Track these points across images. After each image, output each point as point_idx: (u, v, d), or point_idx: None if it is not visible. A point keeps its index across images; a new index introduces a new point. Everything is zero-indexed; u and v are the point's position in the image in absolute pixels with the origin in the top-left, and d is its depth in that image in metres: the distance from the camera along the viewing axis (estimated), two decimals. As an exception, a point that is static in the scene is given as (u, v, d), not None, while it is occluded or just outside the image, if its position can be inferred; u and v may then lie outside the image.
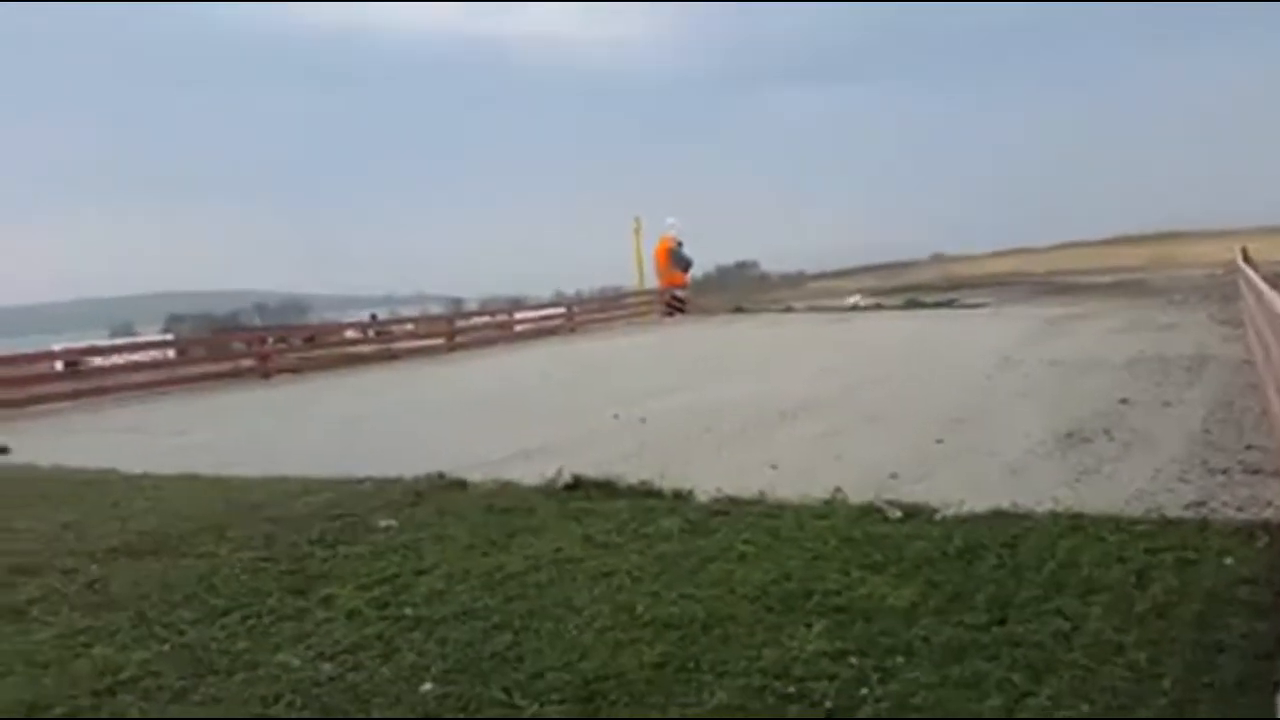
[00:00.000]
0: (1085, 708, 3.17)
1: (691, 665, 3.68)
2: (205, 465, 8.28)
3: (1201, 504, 5.47)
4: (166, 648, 4.18)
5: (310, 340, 22.03)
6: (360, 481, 7.21)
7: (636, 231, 28.26)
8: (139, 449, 9.57)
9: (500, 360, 18.20)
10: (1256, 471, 6.14)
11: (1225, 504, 5.46)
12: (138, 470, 8.32)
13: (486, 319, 23.67)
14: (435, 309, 23.34)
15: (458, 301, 23.38)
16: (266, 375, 18.08)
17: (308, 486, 7.13)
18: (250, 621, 4.46)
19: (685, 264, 26.28)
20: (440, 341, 21.31)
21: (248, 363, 18.84)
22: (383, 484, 7.10)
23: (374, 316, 28.00)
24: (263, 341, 20.59)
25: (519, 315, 24.12)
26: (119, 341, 25.75)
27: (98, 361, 18.34)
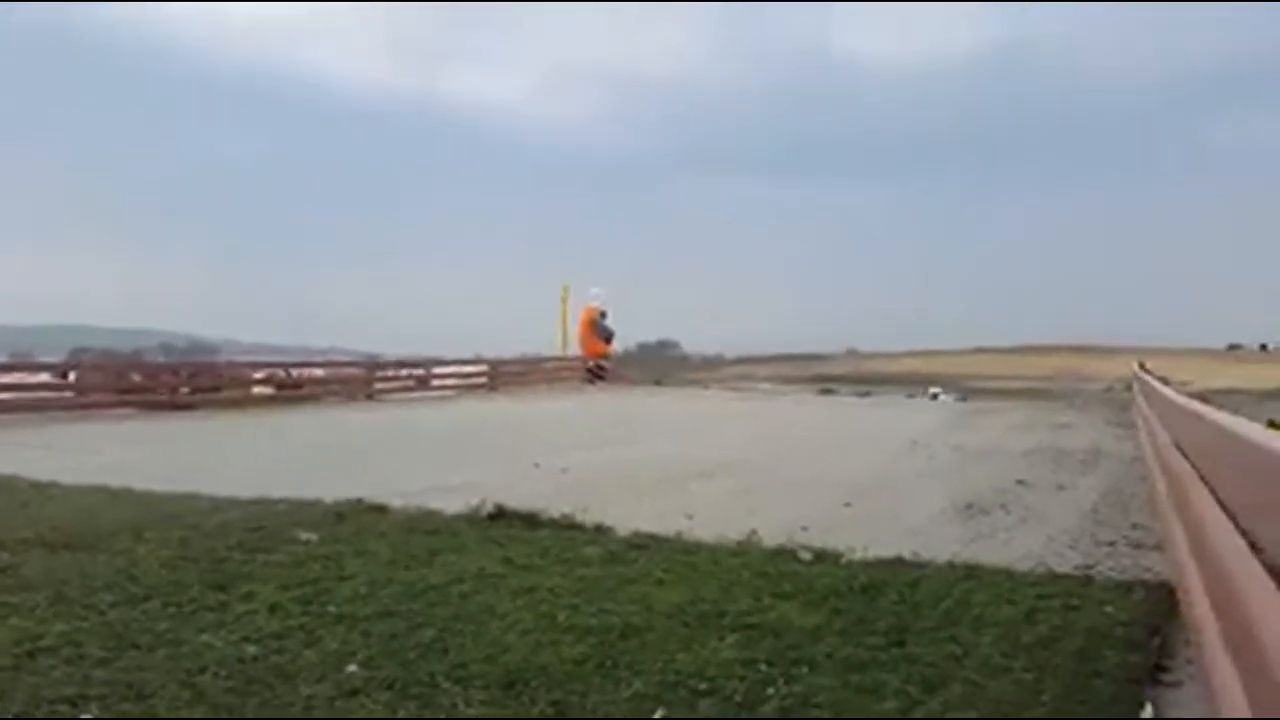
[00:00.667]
0: (974, 714, 3.44)
1: (609, 664, 3.86)
2: (116, 481, 8.14)
3: (1088, 567, 5.87)
4: (86, 624, 4.18)
5: (218, 379, 21.44)
6: (276, 502, 7.21)
7: (564, 299, 28.65)
8: (48, 463, 9.34)
9: (419, 411, 18.16)
10: (1139, 546, 6.60)
11: (1109, 569, 5.87)
12: (45, 480, 8.15)
13: (407, 371, 23.51)
14: (346, 368, 23.02)
15: (374, 358, 23.14)
16: (175, 407, 17.74)
17: (221, 504, 7.09)
18: (171, 609, 4.48)
19: (607, 335, 26.70)
20: (357, 390, 21.18)
21: (156, 395, 18.45)
22: (300, 505, 7.11)
23: (287, 371, 27.19)
24: (174, 373, 20.19)
25: (441, 370, 24.05)
26: (17, 362, 24.82)
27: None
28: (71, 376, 20.20)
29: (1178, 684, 3.89)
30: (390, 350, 23.94)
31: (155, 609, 4.45)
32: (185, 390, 19.31)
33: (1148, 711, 3.51)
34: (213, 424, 15.06)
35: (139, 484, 7.91)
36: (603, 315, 26.56)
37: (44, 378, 18.76)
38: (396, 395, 22.15)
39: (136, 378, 20.54)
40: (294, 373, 22.58)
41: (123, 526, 6.08)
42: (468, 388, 23.64)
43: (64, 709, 3.28)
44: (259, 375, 22.81)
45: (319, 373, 23.30)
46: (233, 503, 7.12)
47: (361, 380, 22.34)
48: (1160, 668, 4.05)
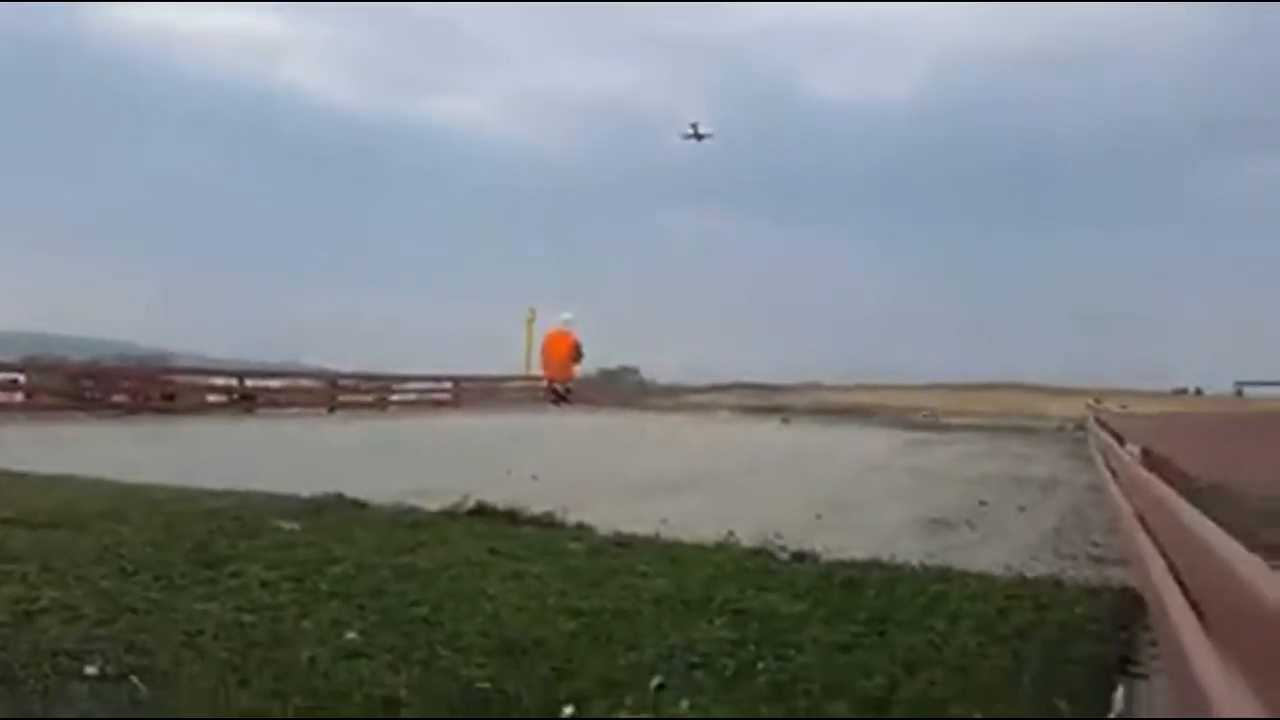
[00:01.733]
0: (957, 691, 3.59)
1: (604, 639, 3.96)
2: (89, 473, 8.06)
3: (1054, 577, 6.07)
4: (79, 591, 4.19)
5: (173, 387, 21.10)
6: (253, 495, 7.19)
7: (530, 321, 28.76)
8: (13, 454, 9.22)
9: (385, 424, 18.11)
10: (1101, 560, 6.82)
11: (1073, 578, 6.06)
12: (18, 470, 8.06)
13: (372, 384, 23.38)
14: (306, 381, 22.83)
15: (335, 373, 22.99)
16: (130, 413, 17.56)
17: (198, 495, 7.07)
18: (162, 581, 4.50)
19: (579, 357, 26.83)
20: (319, 403, 21.07)
21: (110, 401, 18.29)
22: (277, 498, 7.10)
23: (242, 381, 26.66)
24: (130, 379, 19.94)
25: (404, 386, 23.95)
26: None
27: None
28: (22, 380, 19.87)
29: (1145, 676, 4.07)
30: (352, 367, 23.74)
31: (146, 580, 4.47)
32: (141, 397, 19.09)
33: (1119, 695, 3.69)
34: (173, 429, 14.92)
35: (118, 476, 7.86)
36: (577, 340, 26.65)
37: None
38: (359, 410, 22.04)
39: (90, 383, 20.23)
40: (252, 383, 22.37)
41: (104, 511, 6.06)
42: (431, 403, 23.58)
43: (66, 662, 3.31)
44: (216, 382, 22.57)
45: (278, 384, 23.13)
46: (209, 494, 7.10)
47: (323, 393, 22.18)
48: (1128, 660, 4.23)
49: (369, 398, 23.09)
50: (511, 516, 6.68)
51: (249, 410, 20.11)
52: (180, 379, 21.96)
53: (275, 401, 21.35)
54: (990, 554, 6.83)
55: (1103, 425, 13.68)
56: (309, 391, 22.35)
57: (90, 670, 3.24)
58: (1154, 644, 4.40)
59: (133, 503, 6.44)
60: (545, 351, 27.33)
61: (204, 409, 20.40)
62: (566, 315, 26.92)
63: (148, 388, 19.78)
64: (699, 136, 44.50)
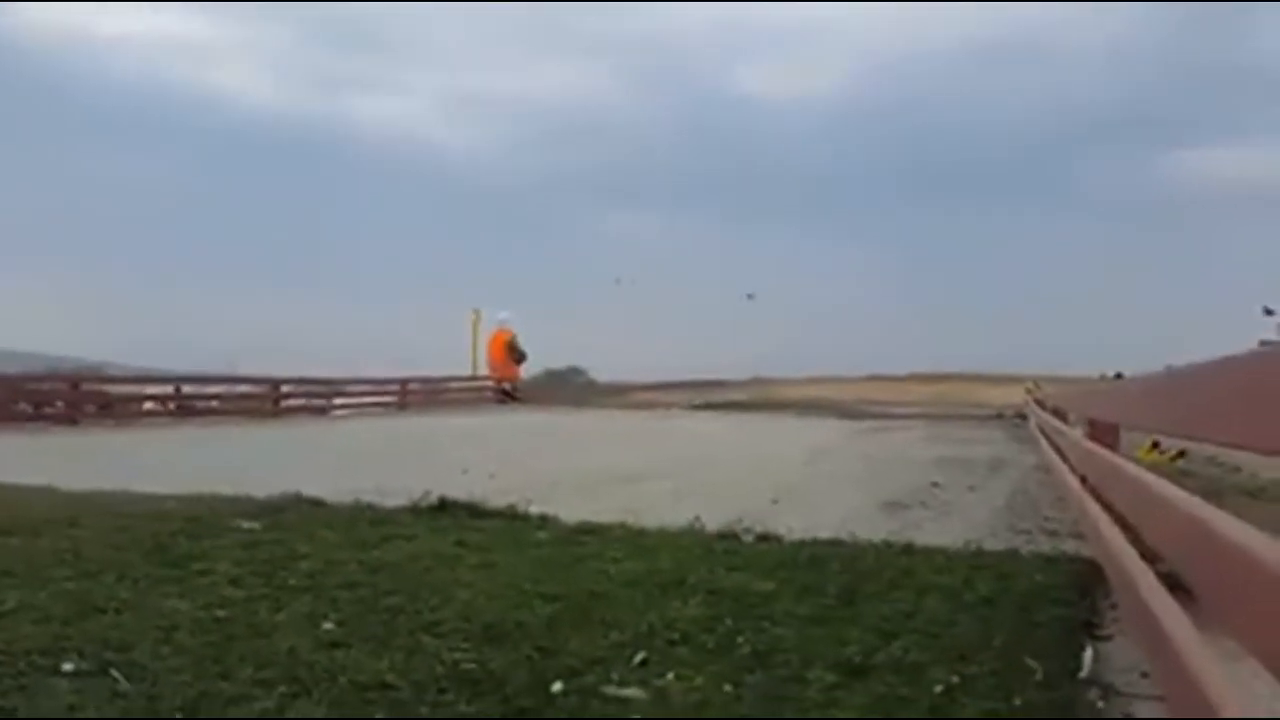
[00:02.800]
0: (931, 655, 3.68)
1: (582, 620, 3.98)
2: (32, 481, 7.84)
3: (1012, 550, 6.23)
4: (44, 593, 4.10)
5: (108, 397, 20.51)
6: (206, 498, 7.06)
7: (474, 323, 28.62)
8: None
9: (331, 427, 17.87)
10: (1055, 534, 7.00)
11: (1031, 551, 6.23)
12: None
13: (315, 389, 22.98)
14: (245, 387, 22.32)
15: (275, 378, 22.55)
16: (64, 423, 17.14)
17: (150, 499, 6.93)
18: (127, 581, 4.41)
19: (520, 357, 26.74)
20: (261, 409, 20.70)
21: (42, 411, 17.82)
22: (232, 500, 6.98)
23: (178, 389, 25.89)
24: (62, 388, 19.40)
25: (348, 389, 23.62)
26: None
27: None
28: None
29: (1109, 638, 4.22)
30: (293, 372, 23.33)
31: (110, 581, 4.38)
32: (73, 408, 18.60)
33: (1088, 654, 3.81)
34: (112, 438, 14.54)
35: (63, 484, 7.65)
36: (514, 337, 26.59)
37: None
38: (303, 415, 21.71)
39: (20, 393, 19.61)
40: (190, 389, 21.87)
41: (55, 516, 5.91)
42: (377, 405, 23.33)
43: (41, 660, 3.24)
44: (152, 391, 21.99)
45: (217, 390, 22.65)
46: (161, 498, 6.96)
47: (264, 398, 21.77)
48: (1091, 624, 4.37)
49: (312, 402, 22.72)
50: (474, 510, 6.66)
51: (187, 418, 19.69)
52: (114, 389, 21.39)
53: (215, 410, 20.95)
54: (947, 531, 6.98)
55: (1041, 405, 14.02)
56: (250, 398, 21.91)
57: (67, 667, 3.17)
58: (1114, 607, 4.56)
59: (83, 509, 6.28)
60: (488, 352, 27.28)
61: (140, 418, 19.93)
62: (503, 314, 26.93)
63: (80, 399, 19.24)
64: None
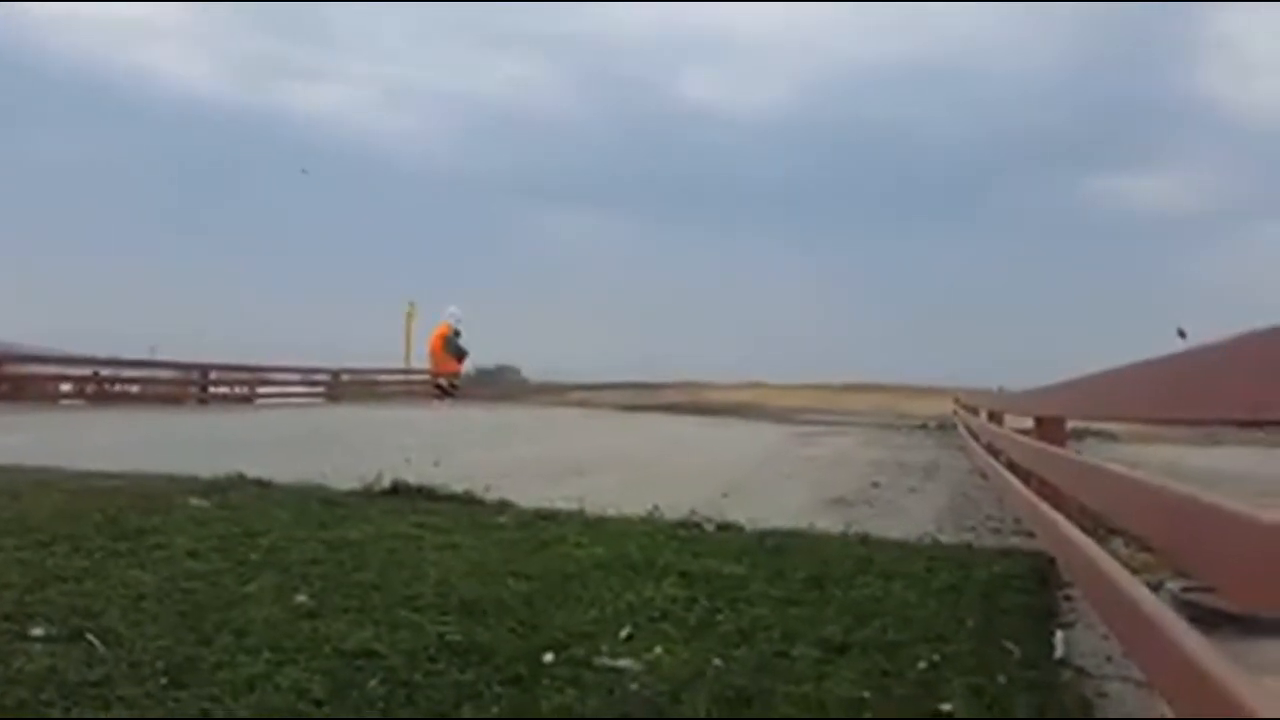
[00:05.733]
0: (909, 635, 3.74)
1: (560, 598, 3.96)
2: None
3: (965, 544, 6.36)
4: (-2, 561, 3.92)
5: (20, 381, 19.62)
6: (150, 476, 6.85)
7: (410, 315, 28.23)
8: None
9: (260, 416, 17.44)
10: (999, 531, 7.17)
11: (982, 546, 6.37)
12: None
13: (243, 375, 22.40)
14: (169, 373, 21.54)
15: (199, 364, 21.86)
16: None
17: (92, 475, 6.69)
18: (81, 552, 4.25)
19: (460, 353, 26.39)
20: (183, 395, 20.11)
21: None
22: (176, 478, 6.78)
23: (96, 373, 25.05)
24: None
25: (277, 377, 23.08)
26: None
27: None
28: None
29: (1071, 624, 4.33)
30: (218, 358, 22.68)
31: (65, 551, 4.22)
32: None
33: (1060, 637, 3.91)
34: (29, 418, 13.97)
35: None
36: (456, 334, 26.22)
37: None
38: (229, 402, 21.16)
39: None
40: (108, 373, 21.09)
41: (-6, 493, 5.65)
42: (307, 395, 22.84)
43: (7, 625, 3.11)
44: (68, 373, 21.10)
45: (139, 374, 21.89)
46: (103, 475, 6.73)
47: (187, 383, 21.11)
48: (1051, 612, 4.48)
49: (241, 389, 22.15)
50: (429, 494, 6.57)
51: (107, 404, 18.99)
52: (23, 369, 20.50)
53: (139, 395, 20.26)
54: (893, 529, 7.10)
55: (974, 412, 14.36)
56: (176, 383, 21.24)
57: (37, 632, 3.05)
58: (1068, 599, 4.69)
59: (20, 483, 6.04)
60: (429, 345, 26.92)
61: (55, 399, 19.21)
62: (452, 309, 26.56)
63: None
64: None
